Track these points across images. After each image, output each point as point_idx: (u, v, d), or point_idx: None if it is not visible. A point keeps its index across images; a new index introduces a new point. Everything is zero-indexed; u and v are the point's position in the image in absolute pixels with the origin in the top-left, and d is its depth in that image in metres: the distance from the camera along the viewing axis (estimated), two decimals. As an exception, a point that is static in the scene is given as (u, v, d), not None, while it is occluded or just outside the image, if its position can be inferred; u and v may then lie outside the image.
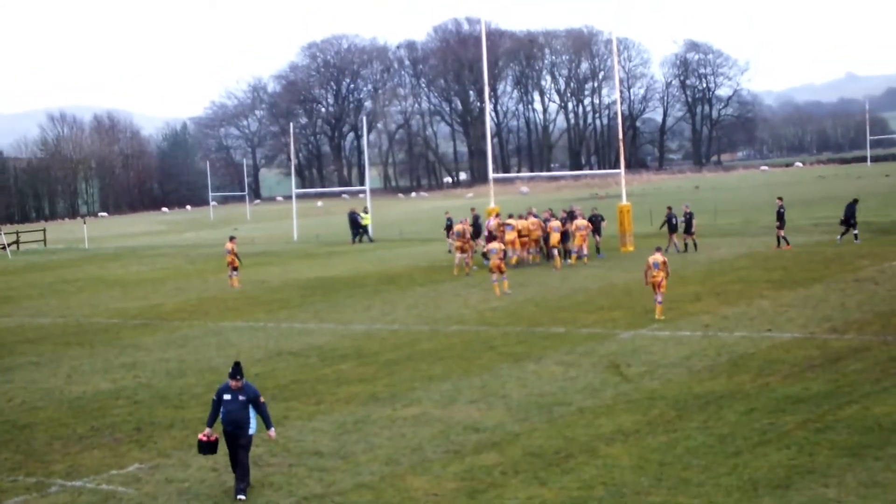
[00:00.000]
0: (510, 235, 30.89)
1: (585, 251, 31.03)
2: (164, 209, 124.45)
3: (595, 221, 32.69)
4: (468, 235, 30.53)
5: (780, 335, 17.51)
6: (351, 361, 17.53)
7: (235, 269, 30.78)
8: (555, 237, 30.71)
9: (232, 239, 31.43)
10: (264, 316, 24.04)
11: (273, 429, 10.79)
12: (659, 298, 20.05)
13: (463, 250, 30.32)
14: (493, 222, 31.80)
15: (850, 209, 32.58)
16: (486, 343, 18.45)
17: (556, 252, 30.55)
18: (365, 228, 48.14)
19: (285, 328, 21.91)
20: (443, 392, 14.70)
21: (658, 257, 20.18)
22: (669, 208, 33.91)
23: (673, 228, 33.12)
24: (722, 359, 15.87)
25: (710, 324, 18.97)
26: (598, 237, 32.74)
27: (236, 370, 10.54)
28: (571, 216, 32.54)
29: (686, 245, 32.71)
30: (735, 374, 14.86)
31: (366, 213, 49.17)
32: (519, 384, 14.92)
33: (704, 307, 20.98)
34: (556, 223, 31.24)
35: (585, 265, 30.64)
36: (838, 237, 32.85)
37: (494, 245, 25.65)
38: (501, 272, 25.11)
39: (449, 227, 36.96)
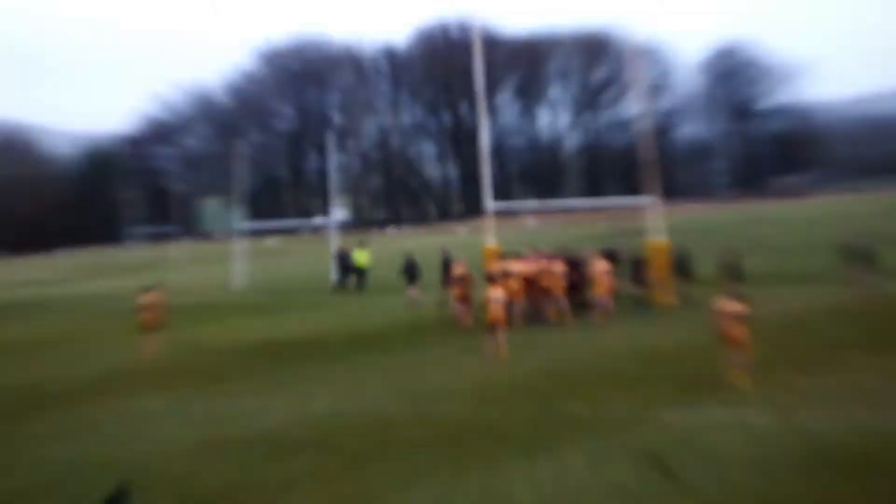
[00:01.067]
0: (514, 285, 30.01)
1: (604, 304, 30.25)
2: (68, 249, 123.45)
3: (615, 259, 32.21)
4: (470, 281, 30.52)
5: (885, 421, 16.48)
6: (308, 454, 16.62)
7: (156, 328, 29.74)
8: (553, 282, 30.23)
9: (154, 289, 30.43)
10: (194, 391, 22.93)
11: None
12: (739, 360, 19.66)
13: (464, 299, 30.35)
14: (459, 269, 31.65)
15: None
16: (485, 428, 17.55)
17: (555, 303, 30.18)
18: (360, 272, 46.76)
19: (221, 408, 20.81)
20: (429, 498, 13.98)
21: (736, 306, 19.97)
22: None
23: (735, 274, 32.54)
24: (805, 453, 14.92)
25: (785, 403, 17.94)
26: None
27: None
28: (575, 264, 31.82)
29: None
30: (824, 475, 13.87)
31: (362, 247, 47.85)
32: (530, 487, 14.16)
33: (776, 379, 19.96)
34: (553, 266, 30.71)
35: (610, 323, 29.74)
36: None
37: (497, 293, 24.81)
38: (502, 327, 24.64)
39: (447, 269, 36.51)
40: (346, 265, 47.98)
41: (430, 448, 16.41)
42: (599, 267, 30.70)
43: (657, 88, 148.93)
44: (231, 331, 34.33)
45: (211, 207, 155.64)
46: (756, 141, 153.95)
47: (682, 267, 33.12)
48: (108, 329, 37.59)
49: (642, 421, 17.33)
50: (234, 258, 57.59)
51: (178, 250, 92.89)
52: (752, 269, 44.44)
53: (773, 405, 17.89)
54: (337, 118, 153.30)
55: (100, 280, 70.63)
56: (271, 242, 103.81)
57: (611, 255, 32.75)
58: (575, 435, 16.66)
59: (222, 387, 23.32)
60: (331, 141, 69.60)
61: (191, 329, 35.62)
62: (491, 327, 24.72)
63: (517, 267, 30.84)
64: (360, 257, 47.45)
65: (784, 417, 17.00)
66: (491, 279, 25.95)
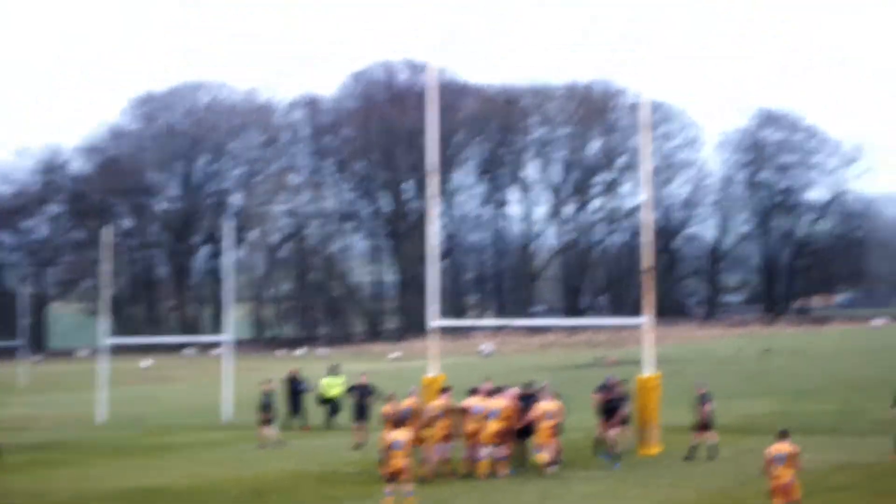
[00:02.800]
0: (482, 426, 31.49)
1: (550, 455, 31.56)
2: None
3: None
4: (427, 417, 31.47)
5: None
6: None
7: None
8: (490, 427, 31.32)
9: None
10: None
11: None
12: None
13: (421, 441, 31.13)
14: (439, 403, 32.29)
15: None
16: None
17: (485, 451, 31.37)
18: (332, 403, 47.94)
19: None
20: None
21: (784, 447, 21.73)
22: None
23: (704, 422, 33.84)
24: None
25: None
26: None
27: None
28: (529, 398, 33.07)
29: (692, 449, 33.56)
30: None
31: (334, 374, 49.01)
32: None
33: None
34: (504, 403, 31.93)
35: (571, 476, 31.05)
36: None
37: (400, 435, 26.15)
38: (404, 481, 25.71)
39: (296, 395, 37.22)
40: (296, 392, 48.59)
41: None
42: (545, 406, 31.94)
43: (667, 169, 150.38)
44: (92, 477, 34.74)
45: (67, 314, 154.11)
46: (790, 245, 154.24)
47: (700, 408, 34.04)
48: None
49: None
50: (98, 383, 58.06)
51: (24, 371, 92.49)
52: (757, 414, 46.27)
53: None
54: (236, 198, 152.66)
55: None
56: (145, 364, 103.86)
57: (607, 390, 34.00)
58: None
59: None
60: (227, 229, 68.90)
61: (42, 473, 35.86)
62: (389, 479, 25.82)
63: (484, 404, 32.05)
64: (332, 387, 48.41)
65: None
66: (396, 421, 27.23)
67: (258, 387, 43.36)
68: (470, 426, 31.55)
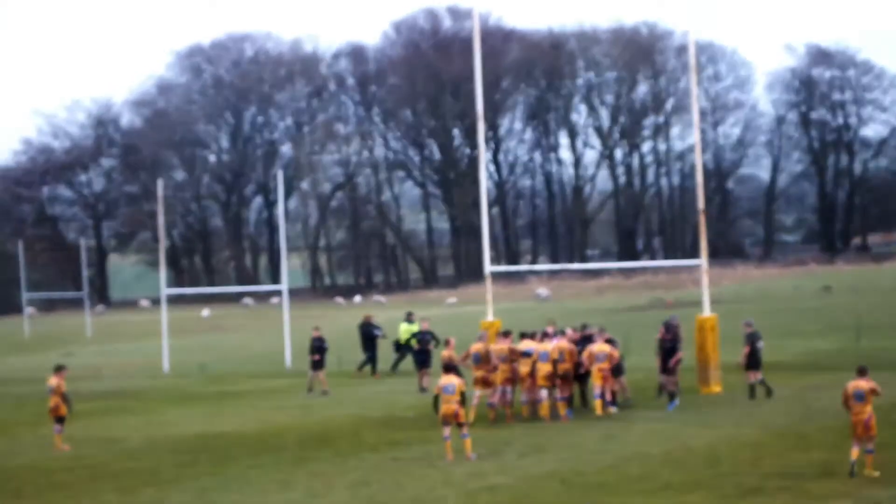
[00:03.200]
0: (528, 368, 31.65)
1: (608, 396, 31.66)
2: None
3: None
4: (493, 360, 31.73)
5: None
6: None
7: (61, 419, 31.08)
8: (541, 369, 31.45)
9: (59, 370, 31.72)
10: (115, 498, 24.25)
11: None
12: (869, 447, 21.72)
13: (486, 384, 31.66)
14: (478, 346, 32.51)
15: None
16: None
17: (544, 393, 31.57)
18: (406, 347, 46.74)
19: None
20: None
21: (862, 384, 21.98)
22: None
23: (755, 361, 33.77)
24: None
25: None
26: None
27: None
28: (587, 339, 33.16)
29: (752, 388, 33.54)
30: None
31: (410, 321, 47.69)
32: None
33: (840, 487, 21.43)
34: (561, 345, 32.10)
35: (635, 416, 31.27)
36: None
37: (452, 380, 26.37)
38: (460, 424, 25.89)
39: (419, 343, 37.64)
40: (370, 337, 48.20)
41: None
42: (595, 349, 31.93)
43: (718, 111, 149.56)
44: (159, 423, 35.50)
45: (126, 266, 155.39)
46: (847, 182, 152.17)
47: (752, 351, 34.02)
48: (4, 421, 38.62)
49: None
50: (158, 333, 58.72)
51: (90, 322, 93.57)
52: (818, 351, 46.23)
53: None
54: (287, 149, 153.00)
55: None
56: (205, 313, 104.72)
57: (671, 329, 34.06)
58: None
59: (150, 493, 24.54)
60: (279, 180, 69.20)
61: (110, 420, 36.68)
62: (443, 423, 26.11)
63: (535, 345, 32.19)
64: (409, 333, 46.63)
65: None
66: (448, 367, 27.53)
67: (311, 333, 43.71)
68: (522, 369, 31.81)
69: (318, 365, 42.08)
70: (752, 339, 33.83)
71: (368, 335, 48.59)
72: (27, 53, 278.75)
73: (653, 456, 25.46)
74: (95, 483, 26.07)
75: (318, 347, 42.29)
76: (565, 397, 31.84)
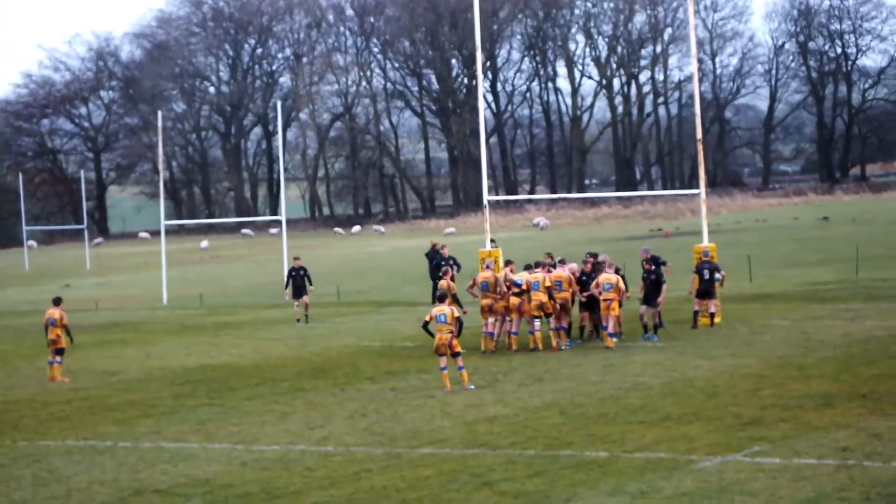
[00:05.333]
0: (528, 297, 31.36)
1: (611, 328, 31.32)
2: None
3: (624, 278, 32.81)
4: (502, 287, 31.61)
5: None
6: (256, 508, 17.78)
7: (60, 351, 31.01)
8: (534, 299, 31.16)
9: (57, 303, 31.64)
10: (114, 430, 24.22)
11: None
12: None
13: (494, 312, 31.56)
14: (486, 274, 32.18)
15: None
16: (477, 477, 18.60)
17: (537, 323, 31.43)
18: None
19: (148, 450, 22.03)
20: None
21: None
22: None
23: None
24: (871, 505, 16.19)
25: (849, 446, 19.24)
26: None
27: None
28: (596, 268, 32.74)
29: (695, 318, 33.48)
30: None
31: (494, 244, 42.59)
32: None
33: (839, 418, 21.29)
34: (559, 274, 31.86)
35: (634, 347, 31.05)
36: None
37: (444, 309, 26.20)
38: (454, 354, 25.84)
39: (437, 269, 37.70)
40: (438, 265, 45.99)
41: (408, 502, 17.35)
42: (603, 279, 31.59)
43: (716, 40, 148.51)
44: (157, 355, 35.51)
45: (125, 198, 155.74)
46: (845, 111, 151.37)
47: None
48: (5, 352, 38.66)
49: (673, 466, 18.37)
50: (157, 264, 58.73)
51: (89, 254, 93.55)
52: (818, 282, 46.04)
53: (834, 449, 18.89)
54: (286, 80, 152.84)
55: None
56: (203, 245, 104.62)
57: (656, 262, 33.72)
58: (590, 483, 17.67)
59: (149, 423, 24.56)
60: (278, 111, 69.29)
61: (109, 352, 36.66)
62: (438, 354, 26.07)
63: (526, 275, 31.92)
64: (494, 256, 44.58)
65: (848, 463, 18.04)
66: (442, 297, 27.36)
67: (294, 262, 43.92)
68: (513, 299, 31.57)
69: (298, 293, 42.32)
70: (700, 268, 33.56)
71: (437, 263, 46.86)
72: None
73: (652, 387, 25.37)
74: (94, 415, 26.12)
75: (295, 276, 42.59)
76: (563, 327, 31.72)
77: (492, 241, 44.15)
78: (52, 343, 31.16)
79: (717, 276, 33.60)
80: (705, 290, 33.36)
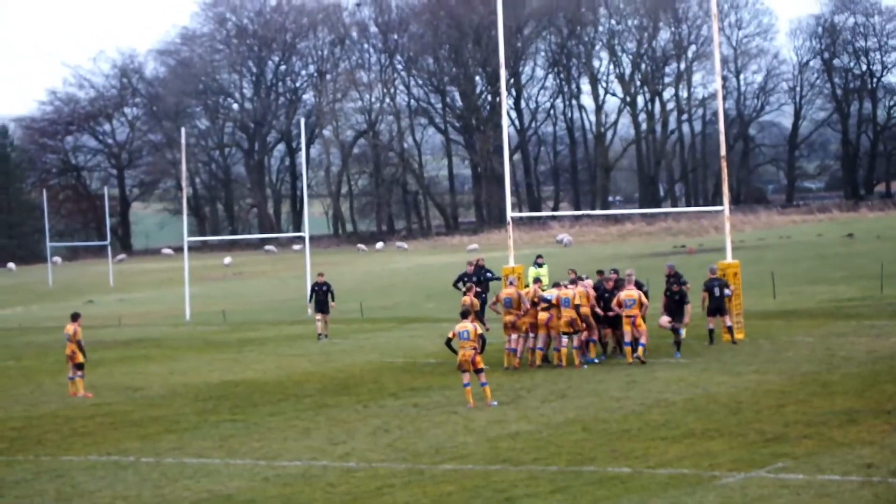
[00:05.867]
0: (556, 315, 31.37)
1: (644, 340, 31.29)
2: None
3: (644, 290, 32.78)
4: (525, 304, 31.63)
5: None
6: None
7: (80, 366, 31.10)
8: (565, 315, 31.17)
9: (75, 318, 31.70)
10: (137, 445, 24.31)
11: None
12: None
13: (516, 329, 31.56)
14: (509, 291, 32.21)
15: None
16: (500, 493, 18.68)
17: (564, 340, 31.45)
18: None
19: (170, 466, 22.13)
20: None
21: None
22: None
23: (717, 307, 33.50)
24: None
25: (873, 463, 19.21)
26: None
27: None
28: (618, 284, 32.73)
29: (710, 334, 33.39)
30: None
31: (538, 265, 43.99)
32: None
33: (864, 435, 21.25)
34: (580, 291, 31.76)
35: (657, 364, 30.99)
36: None
37: (467, 326, 26.26)
38: (477, 371, 25.90)
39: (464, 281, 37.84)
40: (483, 281, 45.79)
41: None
42: (623, 296, 31.56)
43: (740, 57, 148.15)
44: (181, 371, 35.58)
45: (148, 215, 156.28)
46: (870, 129, 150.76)
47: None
48: (28, 367, 38.89)
49: (696, 483, 18.42)
50: (180, 281, 58.92)
51: (112, 270, 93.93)
52: (842, 298, 45.81)
53: (859, 465, 18.88)
54: (309, 97, 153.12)
55: (11, 307, 72.16)
56: (227, 261, 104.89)
57: (680, 281, 33.61)
58: (614, 499, 17.80)
59: (171, 439, 24.63)
60: (302, 128, 69.63)
61: (132, 367, 36.78)
62: (461, 370, 26.15)
63: (555, 293, 31.90)
64: (538, 276, 44.30)
65: (873, 480, 18.01)
66: (465, 313, 27.37)
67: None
68: (541, 315, 31.57)
69: (321, 308, 42.33)
70: (709, 285, 33.48)
71: (483, 279, 46.58)
72: (54, 6, 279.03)
73: (675, 403, 25.35)
74: (117, 431, 26.19)
75: (318, 291, 42.71)
76: (593, 339, 32.00)
77: (538, 256, 44.39)
78: (69, 358, 31.27)
79: (727, 291, 33.62)
80: (717, 307, 33.32)
